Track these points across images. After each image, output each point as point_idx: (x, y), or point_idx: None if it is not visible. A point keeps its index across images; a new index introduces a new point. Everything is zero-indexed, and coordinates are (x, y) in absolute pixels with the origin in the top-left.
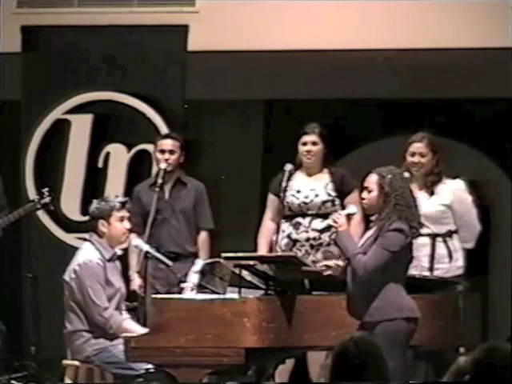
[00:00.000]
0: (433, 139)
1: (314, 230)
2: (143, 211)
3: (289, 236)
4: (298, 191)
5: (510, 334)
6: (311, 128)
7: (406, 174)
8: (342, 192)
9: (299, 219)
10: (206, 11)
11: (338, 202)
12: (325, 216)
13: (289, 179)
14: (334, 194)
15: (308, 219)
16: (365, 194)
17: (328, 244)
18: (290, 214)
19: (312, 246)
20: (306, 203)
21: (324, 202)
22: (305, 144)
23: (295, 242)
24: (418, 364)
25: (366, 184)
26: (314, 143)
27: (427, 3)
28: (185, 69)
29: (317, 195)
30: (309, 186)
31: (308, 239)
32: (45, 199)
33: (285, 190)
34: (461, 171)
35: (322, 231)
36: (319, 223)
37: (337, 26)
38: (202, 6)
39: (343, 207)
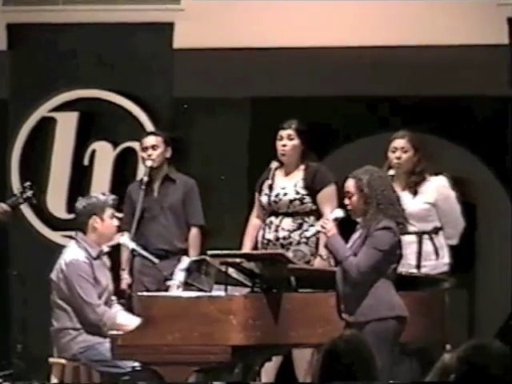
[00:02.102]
0: (415, 136)
1: (283, 229)
2: (133, 210)
3: (263, 235)
4: (272, 190)
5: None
6: (288, 123)
7: (391, 172)
8: (313, 189)
9: (272, 218)
10: (191, 9)
11: (307, 199)
12: (295, 215)
13: (270, 178)
14: (303, 191)
15: (279, 218)
16: (347, 200)
17: (298, 243)
18: (267, 213)
19: (282, 246)
20: (276, 202)
21: (292, 201)
22: (281, 139)
23: (269, 241)
24: (403, 361)
25: (346, 189)
26: (290, 138)
27: (416, 1)
28: (171, 67)
29: (285, 194)
30: (281, 185)
31: (278, 238)
32: (27, 193)
33: (261, 189)
34: (446, 168)
35: (292, 230)
36: (289, 222)
37: (321, 24)
38: (187, 3)
39: (315, 204)
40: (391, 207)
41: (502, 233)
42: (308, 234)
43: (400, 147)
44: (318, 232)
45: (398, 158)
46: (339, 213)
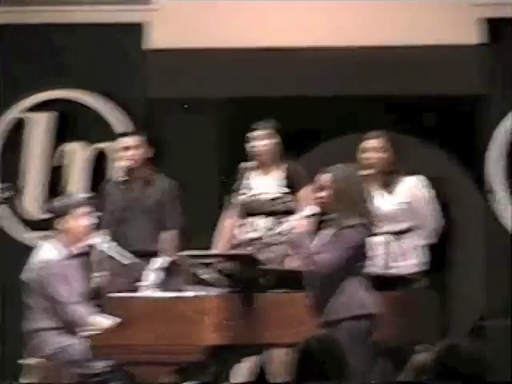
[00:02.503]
0: (387, 136)
1: (264, 228)
2: (111, 208)
3: (240, 235)
4: (250, 189)
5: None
6: (263, 123)
7: (364, 172)
8: (293, 188)
9: (251, 218)
10: (164, 9)
11: (288, 198)
12: (275, 214)
13: (245, 178)
14: (284, 190)
15: (256, 218)
16: (318, 194)
17: (271, 244)
18: (243, 213)
19: (257, 246)
20: (256, 201)
21: (273, 200)
22: (257, 139)
23: (250, 240)
24: (376, 361)
25: (318, 184)
26: (265, 138)
27: (389, 2)
28: (144, 67)
29: (267, 193)
30: (260, 184)
31: (258, 238)
32: (5, 194)
33: (237, 189)
34: (419, 168)
35: (266, 231)
36: (267, 222)
37: (295, 25)
38: (160, 4)
39: (295, 203)
40: (362, 206)
41: (474, 232)
42: (282, 229)
43: (373, 148)
44: (292, 229)
45: (371, 159)
46: (313, 209)
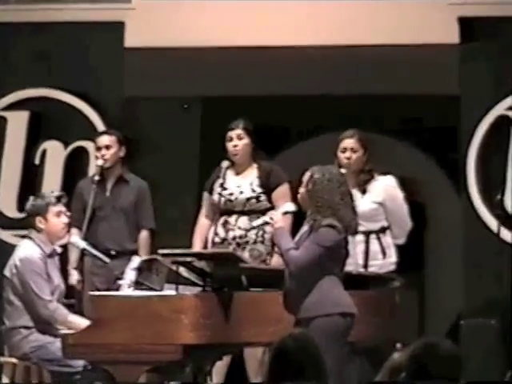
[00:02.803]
0: (363, 135)
1: (240, 228)
2: (84, 207)
3: (218, 234)
4: (225, 189)
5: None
6: (236, 123)
7: (343, 171)
8: (268, 187)
9: (227, 217)
10: (142, 8)
11: (263, 197)
12: (250, 213)
13: (221, 177)
14: (259, 190)
15: (234, 217)
16: (300, 190)
17: (255, 242)
18: (219, 212)
19: (239, 245)
20: (231, 201)
21: (248, 199)
22: (231, 139)
23: (223, 240)
24: (353, 360)
25: (302, 180)
26: (239, 137)
27: (367, 1)
28: (122, 66)
29: (241, 192)
30: (235, 184)
31: (234, 237)
32: None
33: (213, 188)
34: (396, 168)
35: (248, 229)
36: (245, 221)
37: (271, 23)
38: (138, 2)
39: (270, 202)
40: (341, 207)
41: (451, 232)
42: (255, 223)
43: (349, 147)
44: (266, 223)
45: (348, 158)
46: (290, 207)
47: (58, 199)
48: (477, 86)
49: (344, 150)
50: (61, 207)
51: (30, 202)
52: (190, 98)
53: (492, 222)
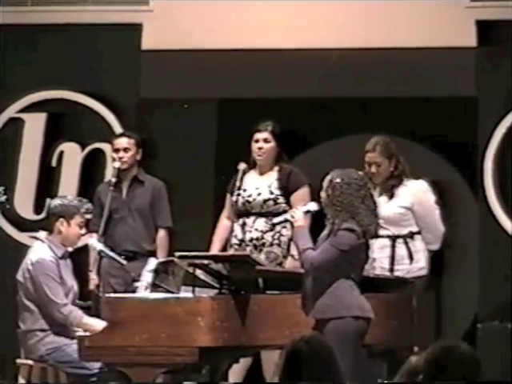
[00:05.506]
0: (386, 144)
1: (256, 230)
2: (102, 211)
3: (236, 236)
4: (244, 190)
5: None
6: (264, 125)
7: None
8: (287, 190)
9: (245, 219)
10: (160, 10)
11: (281, 199)
12: (268, 215)
13: (242, 178)
14: (277, 192)
15: (252, 219)
16: (321, 194)
17: (271, 244)
18: (238, 213)
19: (255, 247)
20: (249, 202)
21: (265, 201)
22: (257, 141)
23: (241, 242)
24: (372, 363)
25: (323, 185)
26: (266, 140)
27: (384, 2)
28: (139, 68)
29: (259, 194)
30: (255, 185)
31: (251, 239)
32: (1, 198)
33: (233, 190)
34: (412, 171)
35: (264, 232)
36: (262, 223)
37: (291, 25)
38: (156, 4)
39: (289, 205)
40: (363, 211)
41: (468, 234)
42: (276, 220)
43: (373, 162)
44: (286, 220)
45: (373, 173)
46: (312, 206)
47: (86, 210)
48: (494, 89)
49: (369, 165)
50: (85, 219)
51: (56, 202)
52: (206, 100)
53: (509, 225)
